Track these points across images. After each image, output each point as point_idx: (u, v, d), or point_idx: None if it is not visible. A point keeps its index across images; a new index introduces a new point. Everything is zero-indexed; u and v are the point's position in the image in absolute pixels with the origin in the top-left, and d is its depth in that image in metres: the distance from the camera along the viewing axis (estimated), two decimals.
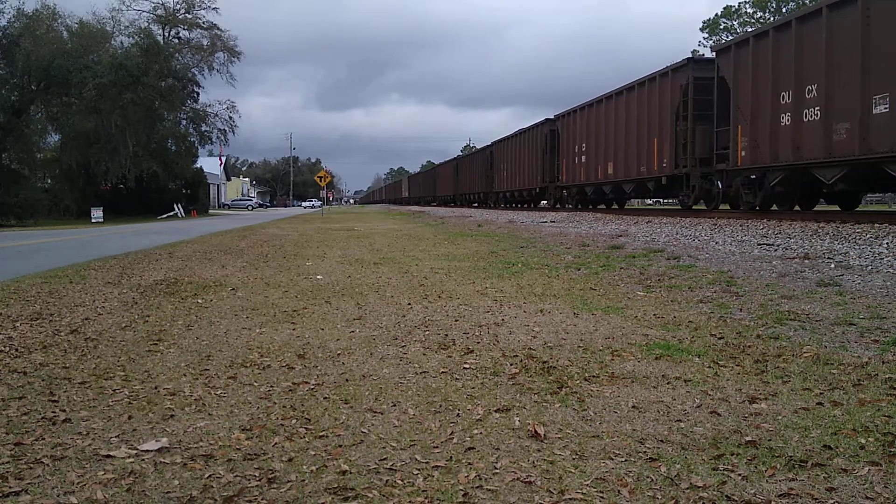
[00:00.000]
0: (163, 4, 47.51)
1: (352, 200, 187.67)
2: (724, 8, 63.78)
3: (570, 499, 2.24)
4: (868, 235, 9.23)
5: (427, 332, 4.84)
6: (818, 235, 9.72)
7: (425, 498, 2.25)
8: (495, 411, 3.10)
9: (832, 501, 2.20)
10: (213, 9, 57.41)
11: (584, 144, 22.94)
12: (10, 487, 2.34)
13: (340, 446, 2.71)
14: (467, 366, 3.89)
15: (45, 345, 4.55)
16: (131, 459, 2.58)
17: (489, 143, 38.14)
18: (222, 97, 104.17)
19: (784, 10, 57.49)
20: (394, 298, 6.39)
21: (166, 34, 47.78)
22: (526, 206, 33.57)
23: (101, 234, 21.42)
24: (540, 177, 27.85)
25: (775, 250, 8.71)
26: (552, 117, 26.66)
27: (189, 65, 48.58)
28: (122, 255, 11.79)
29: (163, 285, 7.53)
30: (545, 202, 32.01)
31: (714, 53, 15.97)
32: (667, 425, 2.90)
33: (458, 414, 3.07)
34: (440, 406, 3.19)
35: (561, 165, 25.47)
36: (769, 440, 2.70)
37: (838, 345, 4.22)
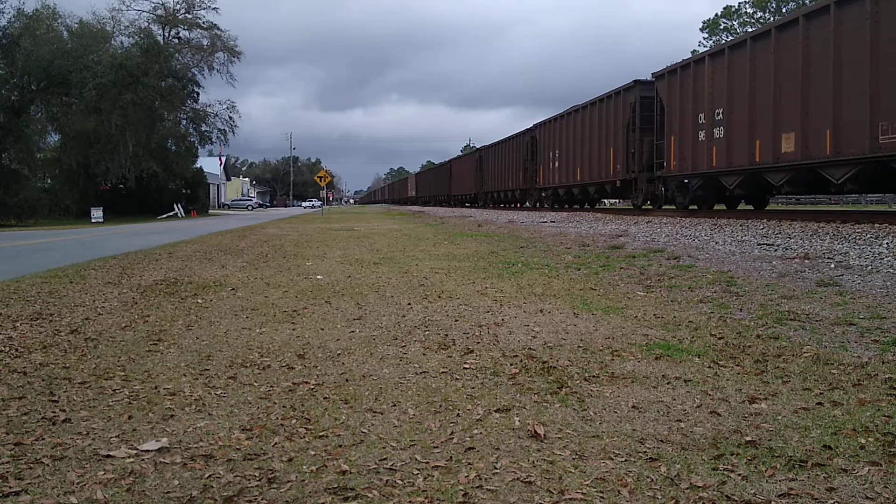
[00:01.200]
0: (163, 4, 47.60)
1: (352, 200, 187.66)
2: (724, 8, 63.86)
3: (570, 499, 2.24)
4: (868, 235, 9.23)
5: (427, 332, 4.83)
6: (818, 235, 9.73)
7: (425, 498, 2.25)
8: (495, 411, 3.10)
9: (832, 501, 2.20)
10: (213, 9, 57.53)
11: (729, 109, 14.10)
12: (10, 487, 2.34)
13: (340, 446, 2.71)
14: (467, 366, 3.89)
15: (45, 345, 4.55)
16: (131, 459, 2.58)
17: (530, 127, 29.42)
18: (222, 97, 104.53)
19: (784, 9, 57.49)
20: (394, 298, 6.38)
21: (166, 34, 47.84)
22: (589, 207, 25.72)
23: (100, 234, 21.42)
24: (622, 164, 19.30)
25: (775, 250, 8.71)
26: (650, 77, 18.21)
27: (189, 65, 48.63)
28: (121, 255, 11.79)
29: (163, 285, 7.53)
30: (615, 201, 27.17)
31: None
32: (667, 425, 2.90)
33: (458, 414, 3.07)
34: (440, 406, 3.19)
35: (668, 146, 16.73)
36: (769, 440, 2.70)
37: (838, 345, 4.22)
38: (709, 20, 64.90)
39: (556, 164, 25.49)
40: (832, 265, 7.24)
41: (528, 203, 31.54)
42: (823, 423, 2.87)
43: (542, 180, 27.40)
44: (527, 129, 29.85)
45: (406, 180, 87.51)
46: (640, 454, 2.58)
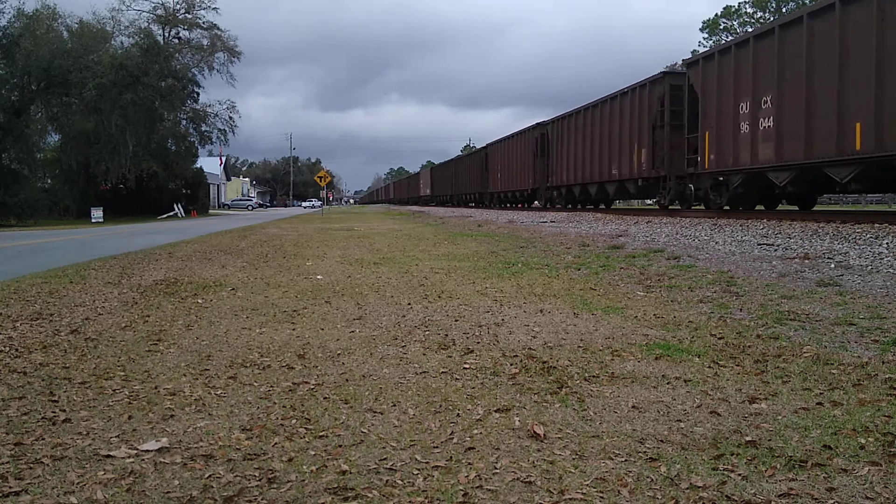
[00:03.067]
0: (163, 4, 47.59)
1: (352, 200, 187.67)
2: (724, 8, 63.91)
3: (570, 499, 2.24)
4: (868, 235, 9.23)
5: (427, 332, 4.83)
6: (818, 235, 9.72)
7: (425, 498, 2.25)
8: (495, 411, 3.10)
9: (832, 501, 2.20)
10: (213, 9, 57.49)
11: None
12: (10, 487, 2.34)
13: (340, 446, 2.71)
14: (467, 366, 3.89)
15: (45, 345, 4.55)
16: (131, 459, 2.58)
17: (659, 74, 17.74)
18: (222, 97, 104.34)
19: (784, 9, 57.54)
20: (394, 298, 6.38)
21: (166, 34, 47.83)
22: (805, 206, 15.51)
23: (100, 234, 21.42)
24: None
25: (775, 250, 8.71)
26: None
27: (189, 65, 48.62)
28: (121, 255, 11.79)
29: (163, 285, 7.53)
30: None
31: None
32: (667, 425, 2.90)
33: (458, 414, 3.07)
34: (440, 406, 3.19)
35: None
36: (769, 440, 2.70)
37: (838, 345, 4.22)
38: (709, 20, 64.94)
39: (769, 124, 12.79)
40: (832, 265, 7.24)
41: (660, 201, 18.44)
42: (823, 423, 2.87)
43: (709, 160, 14.83)
44: (653, 79, 17.65)
45: (417, 177, 75.23)
46: (640, 454, 2.58)
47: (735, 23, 62.64)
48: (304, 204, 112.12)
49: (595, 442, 2.72)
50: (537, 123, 28.29)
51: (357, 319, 5.38)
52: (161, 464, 2.54)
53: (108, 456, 2.62)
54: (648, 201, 24.04)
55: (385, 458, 2.57)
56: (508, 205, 34.13)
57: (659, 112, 17.29)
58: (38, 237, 19.49)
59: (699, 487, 2.29)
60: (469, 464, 2.52)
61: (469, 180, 42.57)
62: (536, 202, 30.27)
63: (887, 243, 8.29)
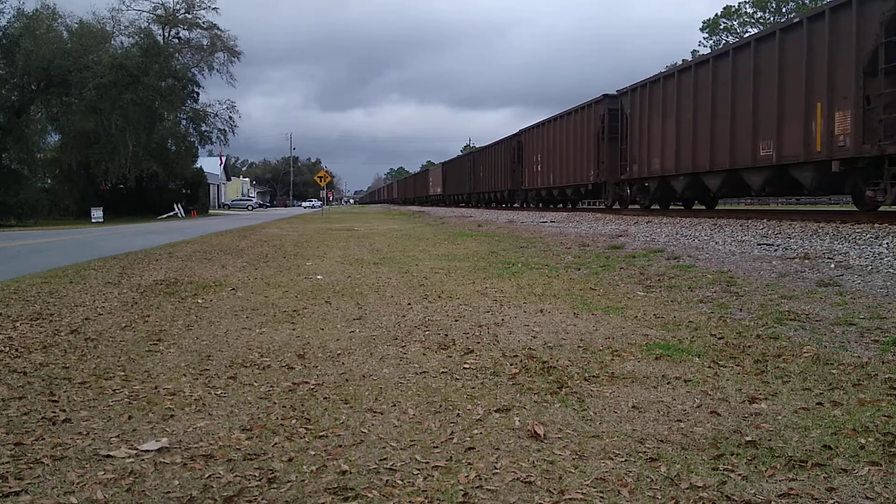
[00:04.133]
0: (163, 4, 47.56)
1: (352, 200, 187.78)
2: (724, 8, 63.94)
3: (570, 499, 2.24)
4: (868, 235, 9.23)
5: (427, 332, 4.83)
6: (818, 235, 9.72)
7: (425, 498, 2.25)
8: (495, 411, 3.10)
9: (832, 501, 2.20)
10: (213, 9, 57.45)
11: None
12: (10, 487, 2.34)
13: (340, 446, 2.71)
14: (467, 366, 3.89)
15: (45, 345, 4.55)
16: (131, 459, 2.58)
17: None
18: (222, 97, 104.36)
19: (784, 10, 57.57)
20: (394, 298, 6.38)
21: (166, 34, 47.80)
22: None
23: (100, 234, 21.42)
24: None
25: (775, 250, 8.71)
26: None
27: (189, 65, 48.59)
28: (122, 255, 11.79)
29: (163, 285, 7.53)
30: None
31: None
32: (667, 425, 2.90)
33: (458, 414, 3.07)
34: (440, 406, 3.19)
35: None
36: (769, 440, 2.70)
37: (838, 345, 4.22)
38: (709, 20, 64.97)
39: None
40: (832, 265, 7.24)
41: (875, 198, 11.13)
42: (823, 423, 2.87)
43: None
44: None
45: (426, 174, 66.84)
46: (640, 454, 2.58)
47: (735, 23, 62.67)
48: (304, 204, 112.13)
49: (595, 442, 2.72)
50: (604, 95, 21.29)
51: (357, 319, 5.38)
52: (161, 464, 2.54)
53: (108, 456, 2.62)
54: (831, 198, 14.88)
55: (385, 458, 2.57)
56: (551, 205, 27.14)
57: (878, 48, 10.05)
58: (38, 237, 19.49)
59: (699, 487, 2.29)
60: (469, 464, 2.52)
61: (494, 176, 34.95)
62: (601, 201, 22.86)
63: (887, 243, 8.29)
